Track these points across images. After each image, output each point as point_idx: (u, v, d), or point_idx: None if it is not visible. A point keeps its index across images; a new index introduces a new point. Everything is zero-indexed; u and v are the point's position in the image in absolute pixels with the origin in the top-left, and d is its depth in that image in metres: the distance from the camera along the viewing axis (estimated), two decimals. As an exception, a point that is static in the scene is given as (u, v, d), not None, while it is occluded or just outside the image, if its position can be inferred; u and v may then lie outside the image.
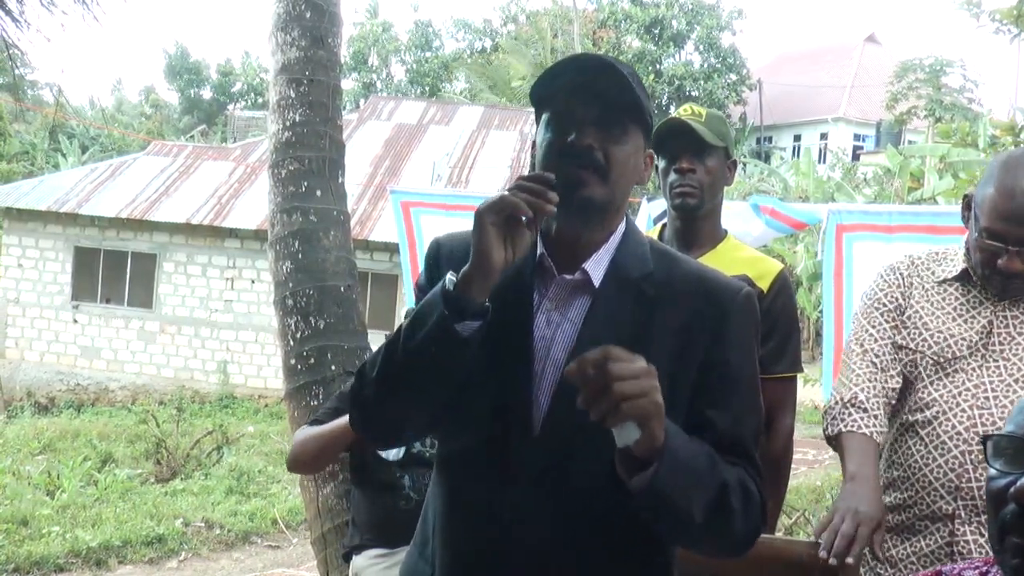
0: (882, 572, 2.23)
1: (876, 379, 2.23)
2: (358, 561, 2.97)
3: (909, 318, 2.27)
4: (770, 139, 38.08)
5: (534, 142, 1.63)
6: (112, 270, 16.21)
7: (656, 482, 1.34)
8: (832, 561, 1.87)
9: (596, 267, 1.59)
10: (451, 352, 1.47)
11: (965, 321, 2.21)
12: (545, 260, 1.60)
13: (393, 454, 2.89)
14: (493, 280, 1.46)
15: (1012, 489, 1.15)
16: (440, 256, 1.66)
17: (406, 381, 1.53)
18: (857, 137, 35.74)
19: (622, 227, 1.64)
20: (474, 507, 1.57)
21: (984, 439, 1.24)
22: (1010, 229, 2.05)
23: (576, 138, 1.54)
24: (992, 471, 1.20)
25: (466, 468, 1.60)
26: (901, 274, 2.33)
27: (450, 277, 1.48)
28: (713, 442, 1.49)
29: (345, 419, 2.78)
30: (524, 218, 1.45)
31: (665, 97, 34.58)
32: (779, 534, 4.38)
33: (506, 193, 1.45)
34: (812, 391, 10.11)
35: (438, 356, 1.48)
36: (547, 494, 1.52)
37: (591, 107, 1.56)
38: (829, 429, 2.23)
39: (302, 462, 2.98)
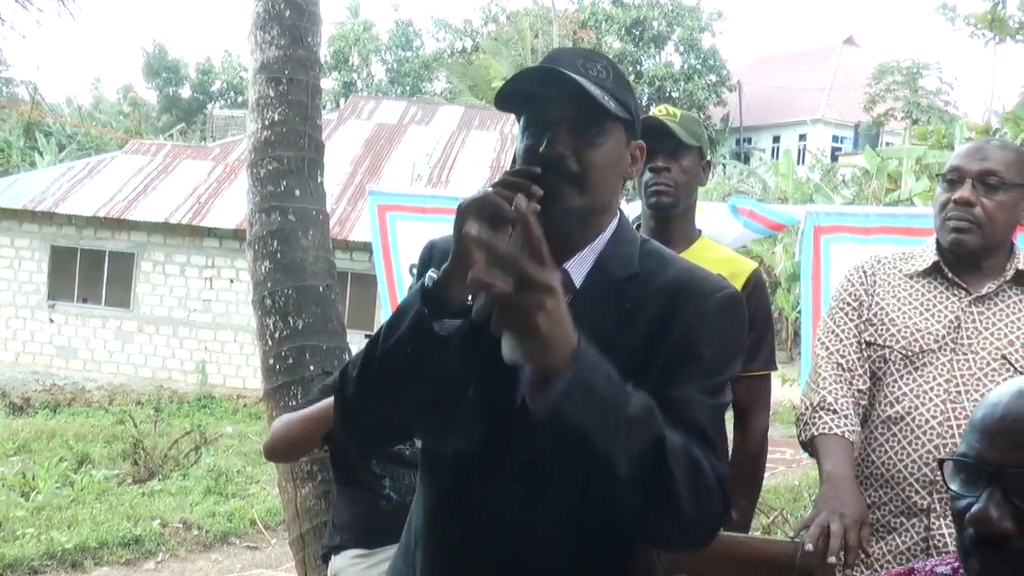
0: (858, 572, 2.23)
1: (842, 380, 2.28)
2: (337, 562, 2.96)
3: (875, 314, 2.32)
4: (750, 140, 38.27)
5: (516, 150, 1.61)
6: (89, 269, 16.10)
7: (559, 405, 1.25)
8: (831, 559, 1.88)
9: (579, 267, 1.56)
10: (427, 350, 1.44)
11: (933, 315, 2.26)
12: None
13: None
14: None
15: (968, 515, 1.15)
16: (433, 258, 1.62)
17: (385, 380, 1.50)
18: (836, 139, 35.95)
19: (613, 225, 1.60)
20: (455, 512, 1.56)
21: (940, 462, 1.24)
22: (967, 163, 2.25)
23: (547, 148, 1.50)
24: (951, 491, 1.20)
25: (447, 472, 1.58)
26: (865, 272, 2.39)
27: (431, 274, 1.45)
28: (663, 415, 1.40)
29: (327, 400, 2.76)
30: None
31: (645, 98, 34.64)
32: (756, 533, 4.41)
33: (489, 191, 1.42)
34: (790, 391, 10.15)
35: (415, 354, 1.45)
36: (526, 499, 1.50)
37: (563, 109, 1.51)
38: (803, 435, 2.27)
39: (281, 448, 2.91)
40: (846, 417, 2.22)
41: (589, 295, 1.55)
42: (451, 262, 1.42)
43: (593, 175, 1.52)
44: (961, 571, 1.30)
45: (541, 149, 1.50)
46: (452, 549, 1.56)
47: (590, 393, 1.27)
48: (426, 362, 1.46)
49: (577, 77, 1.49)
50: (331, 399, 2.76)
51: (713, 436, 1.45)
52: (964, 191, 2.22)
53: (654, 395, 1.40)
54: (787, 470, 10.16)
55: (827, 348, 2.34)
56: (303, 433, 2.84)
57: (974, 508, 1.14)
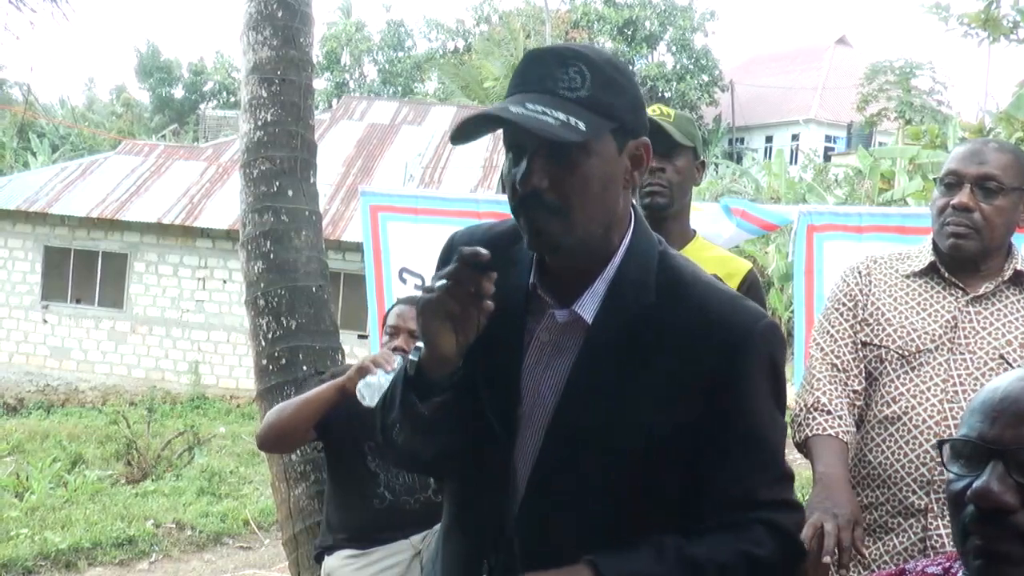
0: (853, 573, 2.21)
1: (837, 380, 2.26)
2: (330, 562, 2.96)
3: (871, 314, 2.30)
4: (742, 140, 38.28)
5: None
6: (82, 270, 16.08)
7: None
8: (826, 559, 1.87)
9: (590, 302, 1.45)
10: (421, 426, 1.47)
11: (929, 315, 2.25)
12: (538, 291, 1.49)
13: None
14: (452, 364, 1.41)
15: (969, 491, 1.16)
16: (453, 253, 1.50)
17: (394, 443, 1.55)
18: (828, 138, 35.98)
19: (626, 242, 1.48)
20: (460, 556, 1.57)
21: (940, 443, 1.26)
22: (965, 167, 2.23)
23: (522, 182, 1.38)
24: (950, 474, 1.21)
25: (465, 488, 1.60)
26: (860, 272, 2.38)
27: (411, 358, 1.44)
28: (714, 504, 1.42)
29: (323, 386, 2.82)
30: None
31: (638, 98, 34.61)
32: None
33: (441, 292, 1.35)
34: (783, 390, 10.18)
35: (411, 429, 1.49)
36: (531, 551, 1.45)
37: (536, 136, 1.34)
38: (796, 436, 2.25)
39: (274, 434, 2.90)
40: (840, 418, 2.20)
41: (603, 334, 1.45)
42: (425, 352, 1.42)
43: (576, 205, 1.39)
44: (952, 570, 1.31)
45: (516, 183, 1.40)
46: (464, 559, 1.56)
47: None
48: (422, 434, 1.49)
49: (533, 115, 1.33)
50: (326, 385, 2.81)
51: (770, 497, 1.46)
52: (962, 197, 2.20)
53: (693, 475, 1.43)
54: (780, 469, 10.17)
55: (822, 348, 2.32)
56: (298, 416, 2.82)
57: (976, 483, 1.16)
